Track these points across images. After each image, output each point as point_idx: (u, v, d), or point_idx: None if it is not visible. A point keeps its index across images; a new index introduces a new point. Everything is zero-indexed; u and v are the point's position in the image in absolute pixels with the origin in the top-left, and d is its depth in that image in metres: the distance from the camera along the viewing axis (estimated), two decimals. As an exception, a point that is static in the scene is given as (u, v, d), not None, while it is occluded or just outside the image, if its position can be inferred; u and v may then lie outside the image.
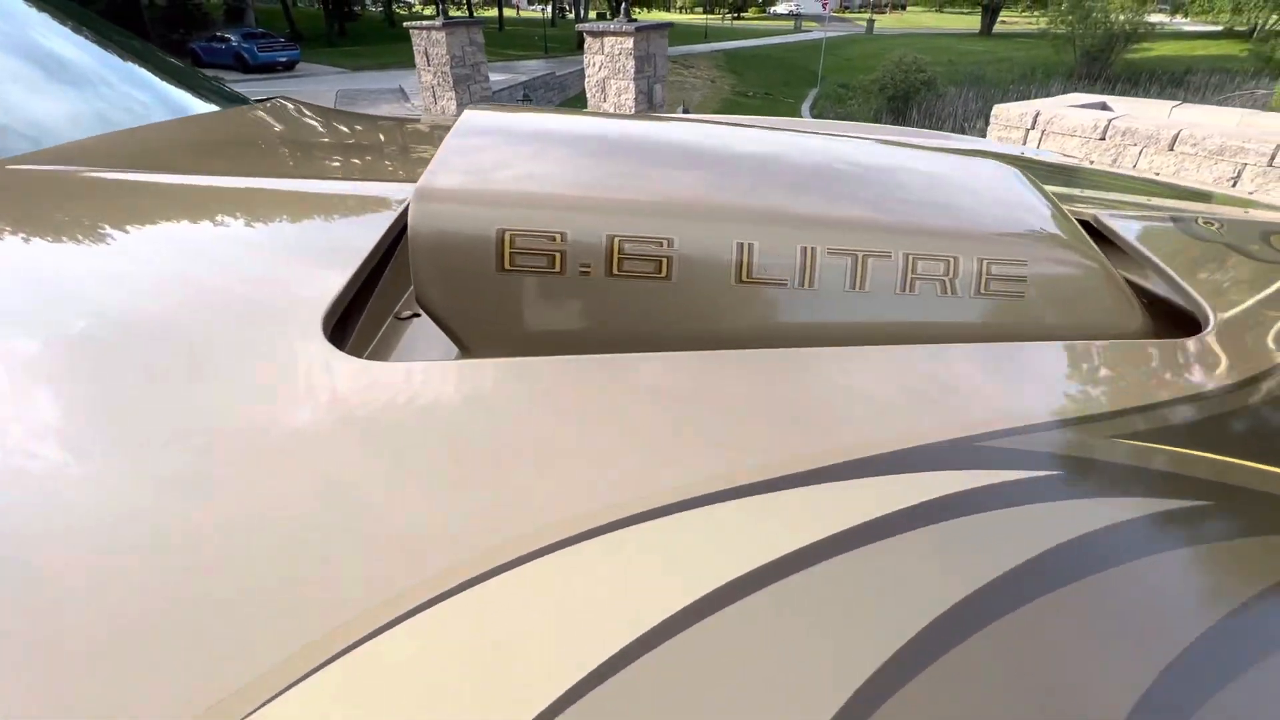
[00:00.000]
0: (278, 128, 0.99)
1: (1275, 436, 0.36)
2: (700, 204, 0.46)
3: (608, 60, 6.75)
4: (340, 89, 12.78)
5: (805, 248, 0.44)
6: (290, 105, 1.19)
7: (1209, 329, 0.46)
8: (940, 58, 27.09)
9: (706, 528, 0.29)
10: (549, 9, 36.35)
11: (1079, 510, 0.30)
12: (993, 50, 31.28)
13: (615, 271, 0.43)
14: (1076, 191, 0.96)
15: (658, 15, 47.30)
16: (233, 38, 18.40)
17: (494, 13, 33.93)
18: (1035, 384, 0.40)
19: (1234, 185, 3.37)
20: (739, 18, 47.24)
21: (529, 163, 0.49)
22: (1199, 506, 0.31)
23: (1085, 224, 0.67)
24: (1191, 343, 0.45)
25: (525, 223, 0.43)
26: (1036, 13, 31.69)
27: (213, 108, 1.11)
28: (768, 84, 24.51)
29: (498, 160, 0.49)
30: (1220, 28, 32.27)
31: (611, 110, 6.98)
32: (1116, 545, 0.29)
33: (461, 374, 0.40)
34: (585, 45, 6.85)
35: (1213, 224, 0.67)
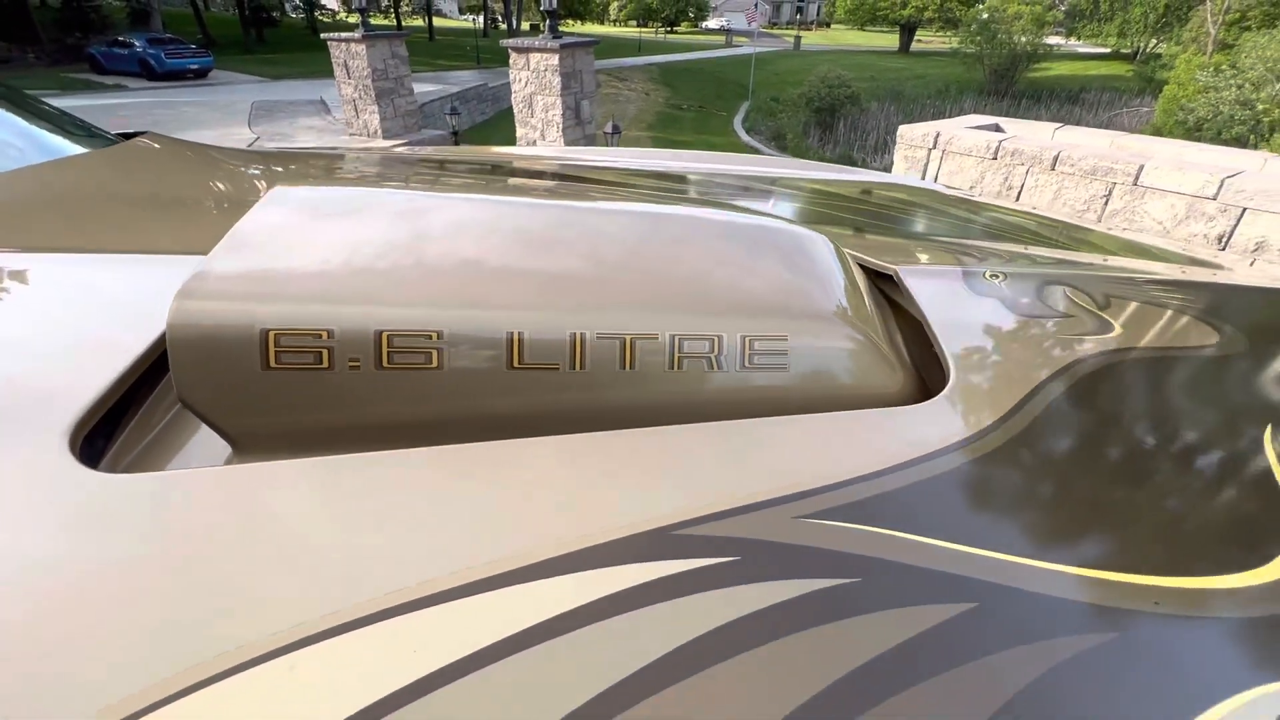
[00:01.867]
0: (110, 181, 0.93)
1: (958, 511, 0.39)
2: (471, 295, 0.46)
3: (534, 76, 6.73)
4: (256, 100, 12.12)
5: (575, 334, 0.46)
6: (149, 146, 1.13)
7: (942, 394, 0.51)
8: (863, 74, 28.43)
9: (399, 633, 0.30)
10: (480, 19, 35.95)
11: (737, 595, 0.32)
12: (911, 67, 33.12)
13: (385, 365, 0.43)
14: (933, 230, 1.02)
15: (591, 27, 47.59)
16: (137, 43, 17.20)
17: (422, 21, 33.25)
18: (749, 465, 0.42)
19: (1105, 203, 3.68)
20: (672, 32, 48.12)
21: (309, 253, 0.48)
22: (850, 586, 0.33)
23: (886, 277, 0.72)
24: (921, 409, 0.49)
25: (290, 321, 0.43)
26: (949, 33, 33.81)
27: (67, 145, 1.03)
28: (701, 97, 25.03)
29: (278, 251, 0.48)
30: (1108, 50, 35.34)
31: (538, 125, 6.97)
32: (759, 629, 0.30)
33: (204, 483, 0.39)
34: (511, 61, 6.80)
35: (997, 276, 0.73)
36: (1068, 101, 27.20)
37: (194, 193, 0.96)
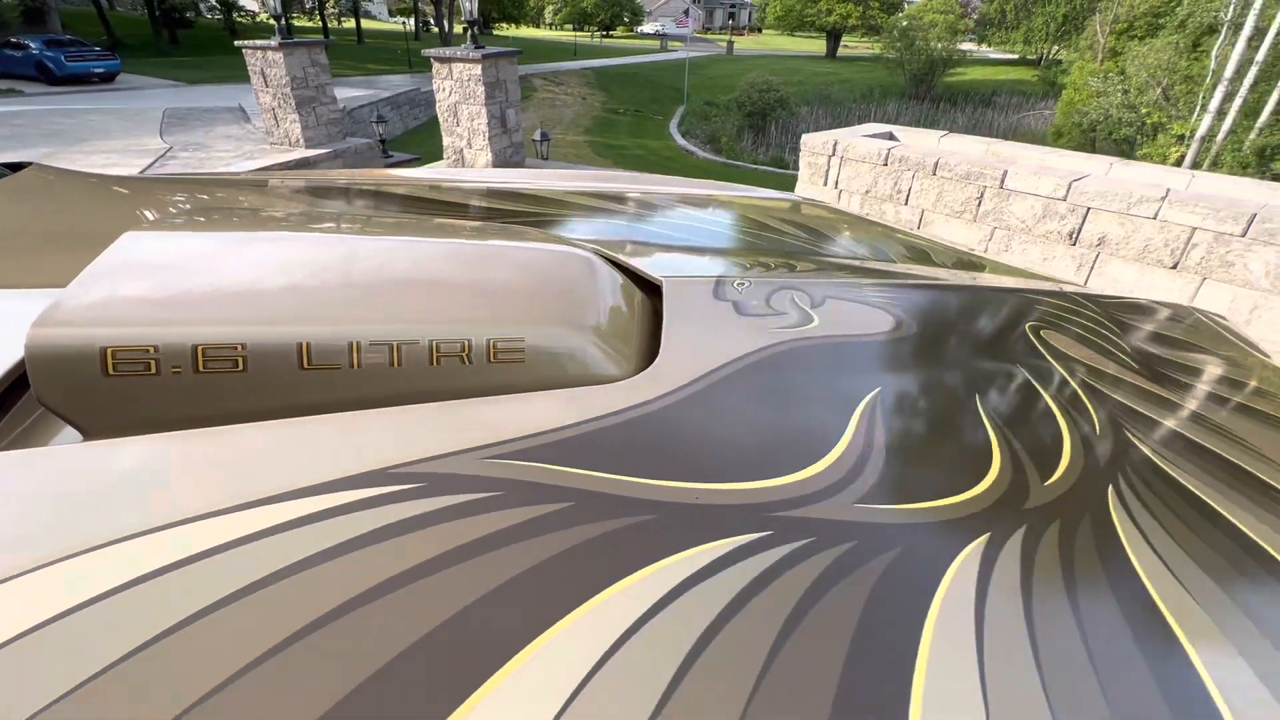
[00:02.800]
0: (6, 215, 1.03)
1: (588, 450, 0.56)
2: (270, 315, 0.62)
3: (457, 86, 6.77)
4: (169, 107, 11.50)
5: (353, 341, 0.62)
6: (37, 178, 1.20)
7: (639, 375, 0.69)
8: (792, 78, 29.40)
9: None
10: (411, 21, 35.18)
11: (414, 505, 0.48)
12: (838, 72, 34.44)
13: (201, 370, 0.58)
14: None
15: (526, 31, 47.25)
16: (32, 44, 16.06)
17: (349, 24, 32.22)
18: (463, 427, 0.59)
19: (979, 205, 4.07)
20: (608, 36, 48.39)
21: (144, 287, 0.62)
22: (494, 497, 0.49)
23: (653, 285, 0.91)
24: (615, 386, 0.66)
25: (124, 340, 0.57)
26: (872, 39, 35.38)
27: None
28: (637, 101, 25.33)
29: (120, 286, 0.62)
30: (1016, 56, 37.77)
31: (464, 134, 7.03)
32: (421, 522, 0.46)
33: (54, 457, 0.53)
34: (434, 70, 6.82)
35: (743, 284, 0.93)
36: (981, 104, 28.94)
37: (80, 227, 1.06)
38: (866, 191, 4.62)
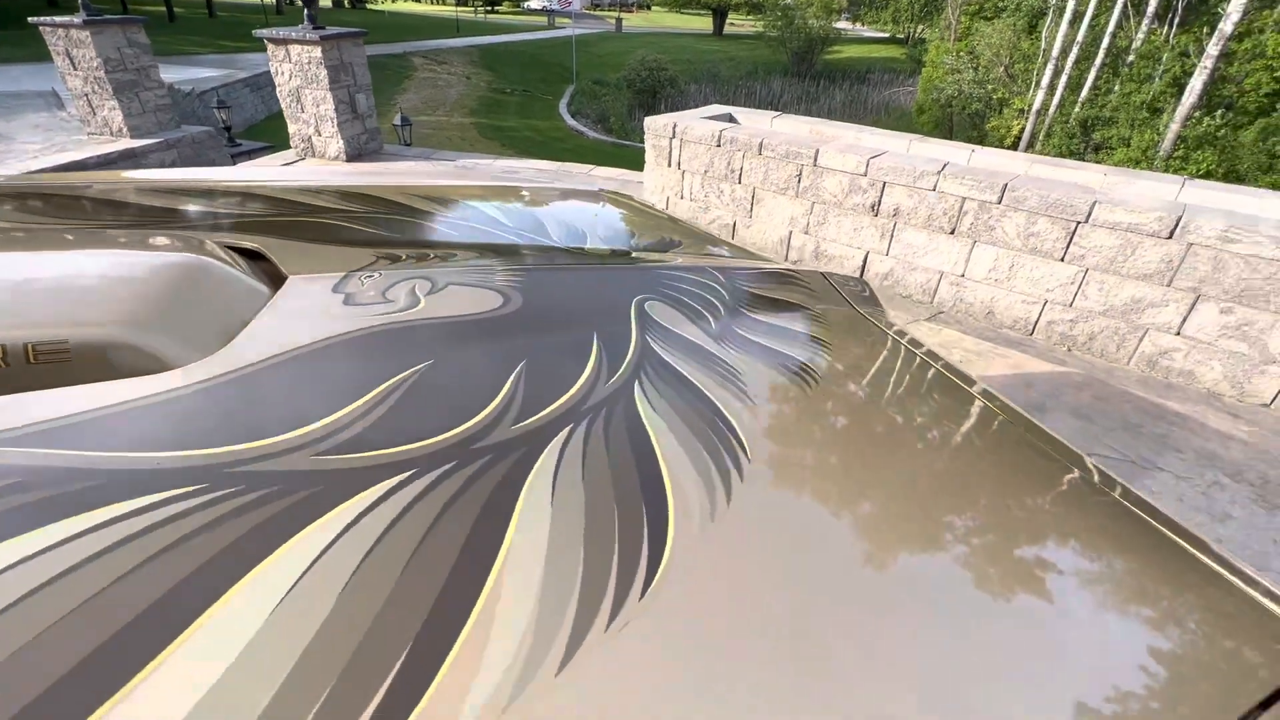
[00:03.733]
0: None
1: (102, 432, 0.60)
2: None
3: (297, 70, 6.37)
4: (-36, 92, 10.04)
5: None
6: None
7: (181, 369, 0.75)
8: (681, 56, 29.70)
9: None
10: (273, -6, 32.26)
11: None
12: (725, 50, 35.11)
13: None
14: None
15: (406, 5, 44.62)
16: None
17: (202, -4, 29.05)
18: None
19: (799, 181, 4.39)
20: (493, 11, 46.61)
21: None
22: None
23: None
24: (154, 377, 0.73)
25: None
26: (755, 17, 36.31)
27: None
28: (525, 81, 24.69)
29: None
30: (888, 35, 40.06)
31: (310, 121, 6.64)
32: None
33: None
34: (269, 53, 6.36)
35: (371, 276, 1.02)
36: (857, 81, 30.49)
37: None
38: (705, 171, 4.85)
